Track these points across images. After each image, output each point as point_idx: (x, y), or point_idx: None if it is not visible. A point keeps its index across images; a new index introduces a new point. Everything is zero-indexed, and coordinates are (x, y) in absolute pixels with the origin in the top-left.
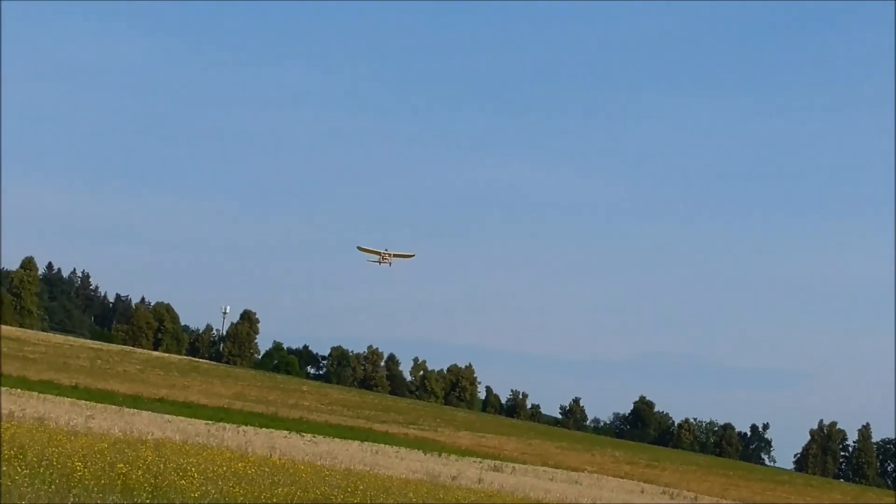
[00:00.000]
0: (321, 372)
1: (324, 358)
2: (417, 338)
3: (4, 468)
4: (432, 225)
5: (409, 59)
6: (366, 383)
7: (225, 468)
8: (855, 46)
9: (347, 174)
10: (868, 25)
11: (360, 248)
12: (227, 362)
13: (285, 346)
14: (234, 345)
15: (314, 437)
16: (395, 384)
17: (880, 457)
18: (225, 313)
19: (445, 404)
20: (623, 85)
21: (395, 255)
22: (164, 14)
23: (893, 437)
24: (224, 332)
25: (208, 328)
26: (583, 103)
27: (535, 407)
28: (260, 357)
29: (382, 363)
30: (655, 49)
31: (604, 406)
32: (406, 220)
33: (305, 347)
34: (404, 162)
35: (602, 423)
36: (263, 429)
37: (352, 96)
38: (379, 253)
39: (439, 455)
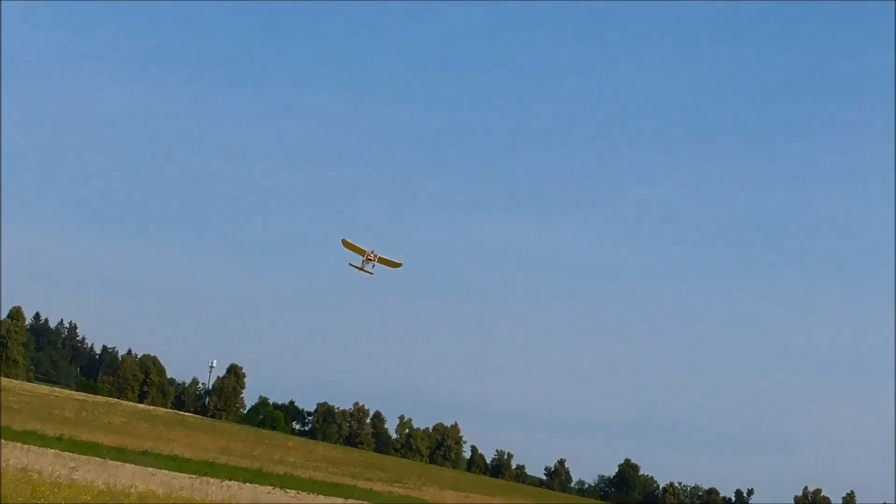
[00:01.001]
0: (307, 428)
1: (310, 414)
2: (404, 395)
3: None
4: (422, 281)
5: (406, 111)
6: (351, 440)
7: None
8: (857, 112)
9: (338, 229)
10: (868, 89)
11: (344, 243)
12: (212, 416)
13: (271, 401)
14: (220, 399)
15: (298, 492)
16: (381, 441)
17: None
18: (212, 367)
19: (430, 462)
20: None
21: (380, 259)
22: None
23: (879, 503)
24: (210, 386)
25: (195, 381)
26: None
27: (521, 467)
28: (246, 411)
29: (368, 420)
30: (650, 109)
31: (589, 468)
32: (396, 274)
33: (291, 403)
34: (397, 216)
35: (587, 485)
36: (248, 483)
37: (341, 151)
38: (364, 252)
39: None
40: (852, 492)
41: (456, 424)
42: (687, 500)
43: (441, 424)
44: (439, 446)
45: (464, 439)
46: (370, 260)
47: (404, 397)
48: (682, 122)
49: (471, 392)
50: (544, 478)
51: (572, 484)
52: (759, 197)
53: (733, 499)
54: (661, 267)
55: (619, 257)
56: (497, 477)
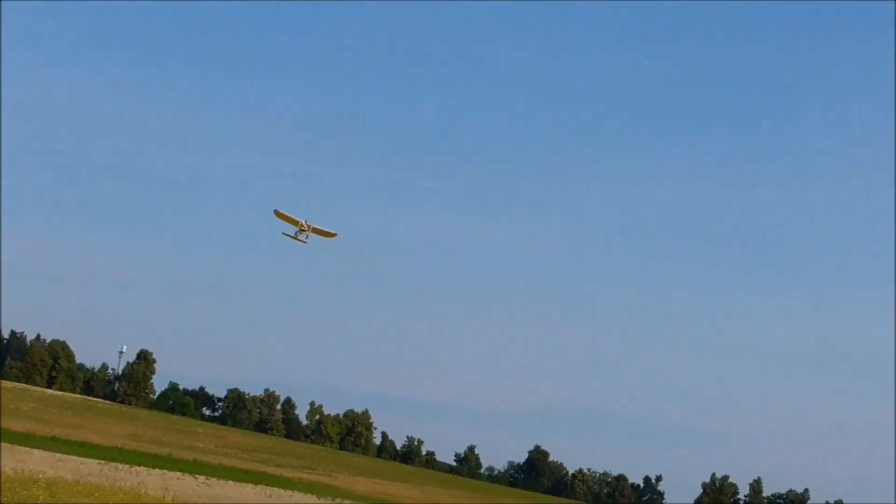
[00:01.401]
0: (217, 414)
1: (220, 400)
2: (315, 382)
3: None
4: (336, 269)
5: (344, 104)
6: (262, 426)
7: None
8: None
9: (259, 213)
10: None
11: (276, 213)
12: (122, 402)
13: (181, 387)
14: (130, 384)
15: (208, 479)
16: (291, 428)
17: None
18: (122, 352)
19: (341, 449)
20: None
21: (314, 230)
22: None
23: (784, 492)
24: (120, 372)
25: (104, 367)
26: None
27: (431, 454)
28: (155, 397)
29: (279, 406)
30: (599, 104)
31: (498, 454)
32: (316, 263)
33: (202, 389)
34: (326, 205)
35: (496, 472)
36: (157, 469)
37: (260, 138)
38: (297, 222)
39: (334, 500)
40: (759, 478)
41: (367, 411)
42: (596, 487)
43: (352, 411)
44: (350, 433)
45: (374, 426)
46: (303, 230)
47: (315, 384)
48: (604, 121)
49: (382, 379)
50: (454, 464)
51: (482, 470)
52: (691, 190)
53: (642, 485)
54: (572, 258)
55: (534, 248)
56: (407, 463)
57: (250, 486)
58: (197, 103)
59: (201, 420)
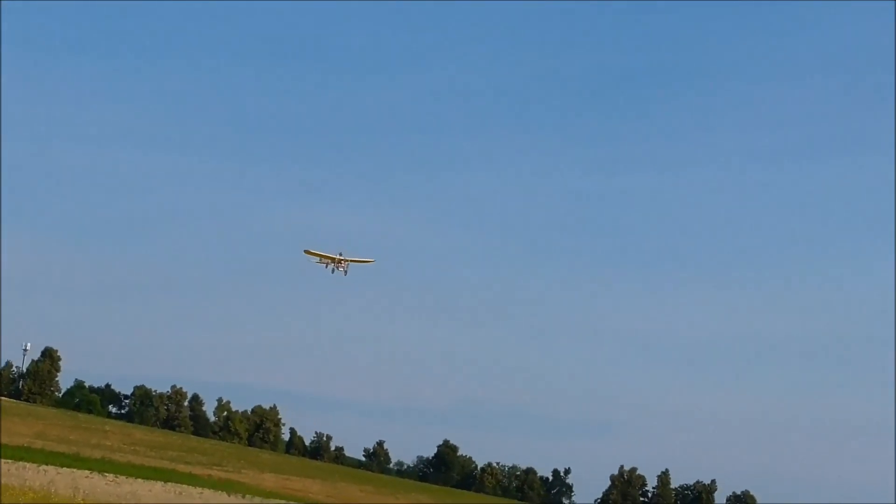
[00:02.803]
0: (124, 411)
1: (126, 397)
2: (222, 379)
3: None
4: (245, 267)
5: (238, 98)
6: (169, 423)
7: None
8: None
9: (161, 212)
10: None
11: (307, 252)
12: (27, 400)
13: (87, 385)
14: (35, 382)
15: (117, 477)
16: (199, 425)
17: (678, 502)
18: (25, 350)
19: (249, 445)
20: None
21: (351, 261)
22: None
23: (692, 483)
24: (24, 370)
25: (8, 365)
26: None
27: (339, 449)
28: (61, 395)
29: (186, 403)
30: (489, 99)
31: (407, 449)
32: (220, 260)
33: (108, 386)
34: (221, 203)
35: (405, 466)
36: (66, 468)
37: (171, 134)
38: (332, 258)
39: (243, 497)
40: (667, 470)
41: (275, 407)
42: (505, 480)
43: (260, 407)
44: (258, 429)
45: (283, 422)
46: (340, 265)
47: (223, 380)
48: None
49: (290, 375)
50: (363, 459)
51: (391, 465)
52: (584, 183)
53: (550, 478)
54: (478, 252)
55: (435, 243)
56: (316, 459)
57: (159, 483)
58: None
59: (108, 418)
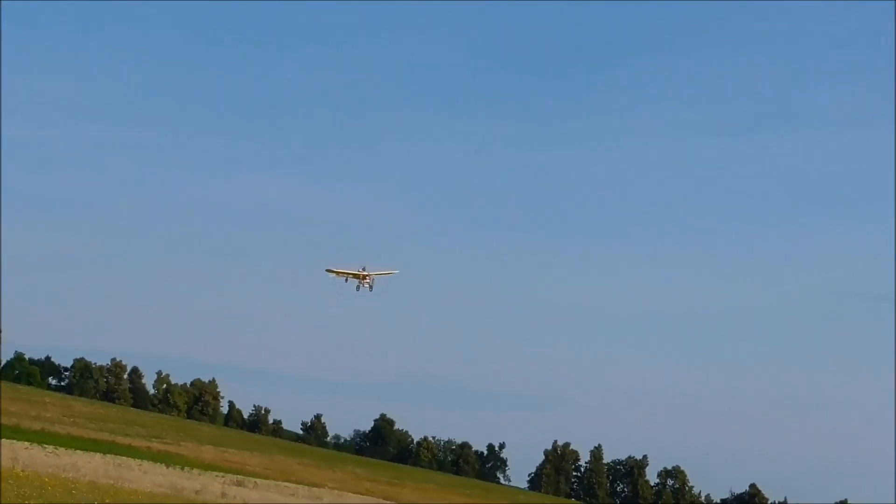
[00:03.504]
0: (64, 383)
1: (66, 369)
2: (162, 352)
3: None
4: (184, 240)
5: (172, 72)
6: (109, 396)
7: None
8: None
9: (99, 186)
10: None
11: (329, 271)
12: None
13: (27, 357)
14: None
15: (56, 448)
16: (139, 397)
17: (610, 477)
18: None
19: (188, 418)
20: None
21: (376, 274)
22: None
23: (624, 458)
24: None
25: None
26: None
27: (277, 422)
28: (1, 367)
29: (126, 376)
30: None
31: (345, 423)
32: (160, 234)
33: (48, 358)
34: (157, 176)
35: (343, 440)
36: (5, 440)
37: (106, 107)
38: (356, 275)
39: (182, 469)
40: (599, 445)
41: (214, 380)
42: (440, 454)
43: (199, 380)
44: (197, 402)
45: (221, 395)
46: (365, 280)
47: (162, 354)
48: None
49: (229, 349)
50: (301, 433)
51: (328, 438)
52: (520, 158)
53: (485, 452)
54: (414, 225)
55: (377, 216)
56: (254, 432)
57: (99, 455)
58: None
59: (48, 390)
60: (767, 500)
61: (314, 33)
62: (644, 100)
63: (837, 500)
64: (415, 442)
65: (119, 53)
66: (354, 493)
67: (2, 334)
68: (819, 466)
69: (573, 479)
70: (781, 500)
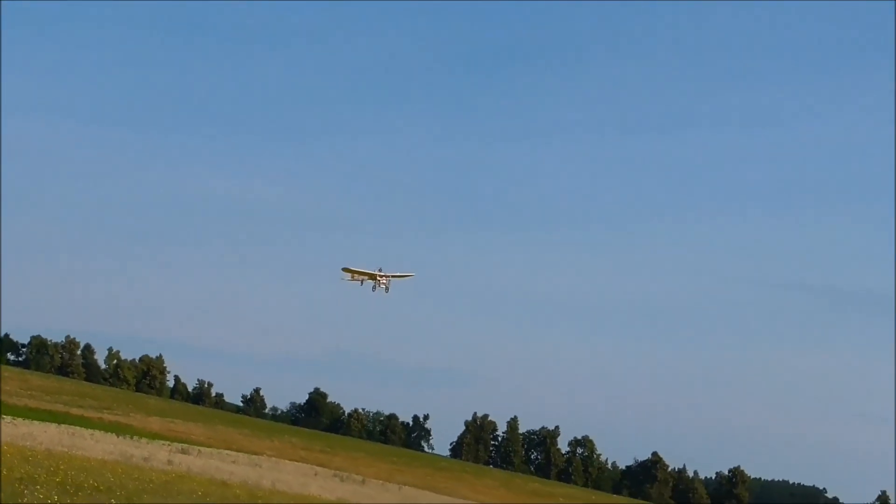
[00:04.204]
0: (21, 359)
1: (23, 346)
2: (113, 330)
3: None
4: (137, 228)
5: (127, 64)
6: (63, 370)
7: None
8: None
9: (63, 178)
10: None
11: (345, 270)
12: None
13: None
14: None
15: (14, 419)
16: (91, 372)
17: (525, 446)
18: None
19: (137, 391)
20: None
21: (392, 276)
22: None
23: (538, 428)
24: None
25: None
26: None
27: (220, 395)
28: None
29: (79, 352)
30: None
31: (282, 396)
32: (112, 223)
33: (6, 336)
34: (115, 168)
35: (279, 412)
36: None
37: (53, 97)
38: (372, 275)
39: (131, 438)
40: (515, 416)
41: (160, 356)
42: (370, 425)
43: (147, 356)
44: (145, 376)
45: (168, 370)
46: (381, 283)
47: (113, 332)
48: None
49: (175, 327)
50: (241, 405)
51: (266, 410)
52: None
53: (411, 423)
54: (351, 213)
55: (315, 204)
56: (198, 404)
57: (54, 425)
58: None
59: (6, 365)
60: (668, 466)
61: (265, 32)
62: (566, 98)
63: (730, 467)
64: (346, 413)
65: (74, 48)
66: (290, 460)
67: None
68: (713, 437)
69: (491, 448)
70: (681, 467)
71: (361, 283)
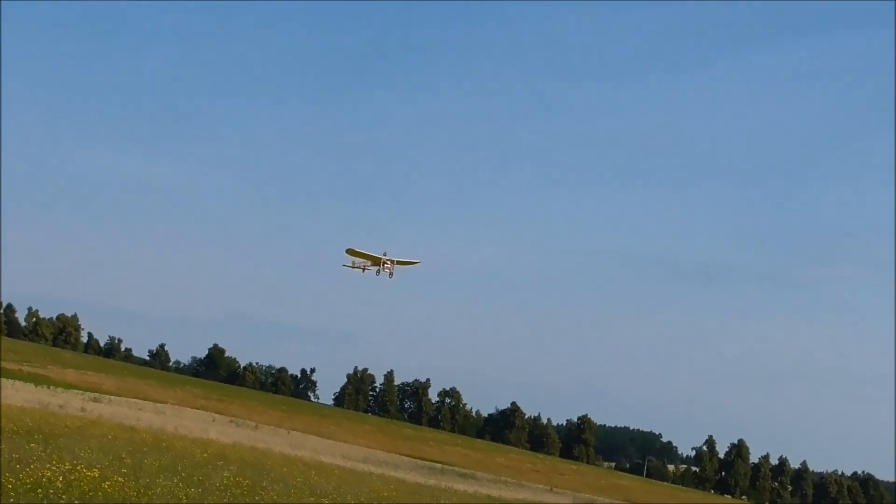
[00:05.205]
0: None
1: None
2: (33, 290)
3: None
4: (56, 194)
5: (41, 51)
6: None
7: None
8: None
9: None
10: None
11: (349, 252)
12: None
13: None
14: None
15: None
16: (12, 328)
17: (400, 396)
18: None
19: (54, 346)
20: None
21: (398, 262)
22: None
23: (411, 380)
24: None
25: None
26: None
27: (129, 350)
28: None
29: (1, 311)
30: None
31: (184, 351)
32: (30, 190)
33: None
34: (29, 148)
35: (182, 365)
36: None
37: None
38: (378, 259)
39: (49, 388)
40: (392, 370)
41: (76, 315)
42: (263, 377)
43: (63, 315)
44: (61, 333)
45: (82, 327)
46: (386, 268)
47: (33, 292)
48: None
49: (89, 288)
50: (148, 359)
51: (171, 364)
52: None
53: (299, 375)
54: (248, 191)
55: (217, 184)
56: (109, 358)
57: None
58: None
59: None
60: (525, 414)
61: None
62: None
63: (579, 415)
64: (241, 367)
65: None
66: (191, 408)
67: None
68: (565, 390)
69: (370, 398)
70: (536, 415)
71: (363, 269)
